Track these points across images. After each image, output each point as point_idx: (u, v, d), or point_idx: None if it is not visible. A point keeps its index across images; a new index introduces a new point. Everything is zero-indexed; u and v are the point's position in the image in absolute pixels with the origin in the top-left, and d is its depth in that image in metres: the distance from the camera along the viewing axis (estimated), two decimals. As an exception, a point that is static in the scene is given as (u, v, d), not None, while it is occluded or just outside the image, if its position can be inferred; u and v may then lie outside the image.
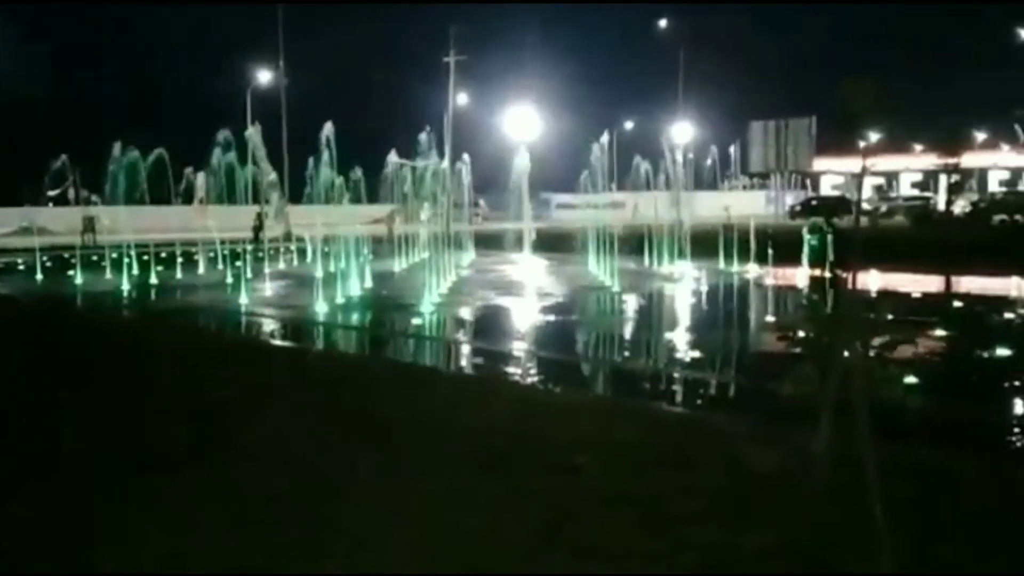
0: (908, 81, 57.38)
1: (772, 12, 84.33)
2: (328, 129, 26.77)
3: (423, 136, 35.42)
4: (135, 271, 24.32)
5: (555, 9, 77.61)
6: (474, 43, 50.58)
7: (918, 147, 69.65)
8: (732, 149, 63.45)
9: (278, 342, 13.05)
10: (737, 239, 24.38)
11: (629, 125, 66.26)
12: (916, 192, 63.31)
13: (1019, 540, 4.73)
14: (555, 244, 31.47)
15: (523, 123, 46.66)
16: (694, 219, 31.77)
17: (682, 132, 58.47)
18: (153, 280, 22.99)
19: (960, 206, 49.20)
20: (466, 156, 36.64)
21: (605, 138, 33.00)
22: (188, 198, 46.83)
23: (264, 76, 47.93)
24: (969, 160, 59.32)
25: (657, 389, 9.77)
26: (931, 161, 57.83)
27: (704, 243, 25.42)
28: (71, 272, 25.17)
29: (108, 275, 24.51)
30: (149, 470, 5.99)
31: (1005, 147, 69.37)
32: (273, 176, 42.90)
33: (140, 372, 9.42)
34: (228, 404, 7.76)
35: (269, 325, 14.83)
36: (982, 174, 67.81)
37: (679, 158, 52.98)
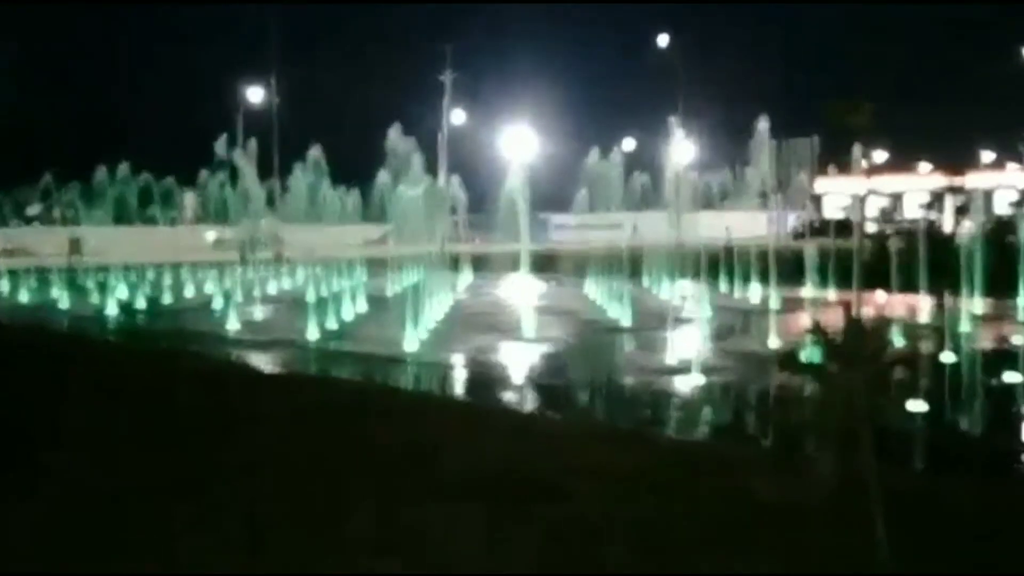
0: (913, 101, 56.93)
1: (774, 32, 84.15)
2: (316, 150, 26.36)
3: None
4: (116, 294, 23.44)
5: (553, 27, 77.55)
6: (470, 62, 50.23)
7: (924, 168, 69.12)
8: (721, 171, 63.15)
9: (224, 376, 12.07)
10: (746, 262, 23.95)
11: (629, 145, 65.70)
12: (922, 214, 62.65)
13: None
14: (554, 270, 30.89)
15: (519, 142, 46.21)
16: (696, 240, 31.06)
17: (683, 152, 57.89)
18: (133, 305, 22.36)
19: (966, 227, 48.50)
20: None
21: (602, 157, 32.46)
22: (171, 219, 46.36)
23: (256, 95, 47.59)
24: (975, 181, 58.76)
25: (651, 412, 9.67)
26: (937, 182, 57.34)
27: (711, 266, 24.80)
28: (54, 295, 24.65)
29: (92, 298, 23.93)
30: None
31: (1012, 167, 68.79)
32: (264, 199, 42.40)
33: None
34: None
35: (231, 359, 13.90)
36: (988, 195, 67.20)
37: (688, 176, 52.52)
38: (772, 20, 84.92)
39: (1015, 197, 67.65)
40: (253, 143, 42.53)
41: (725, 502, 5.61)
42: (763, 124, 30.47)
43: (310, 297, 19.85)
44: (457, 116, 49.73)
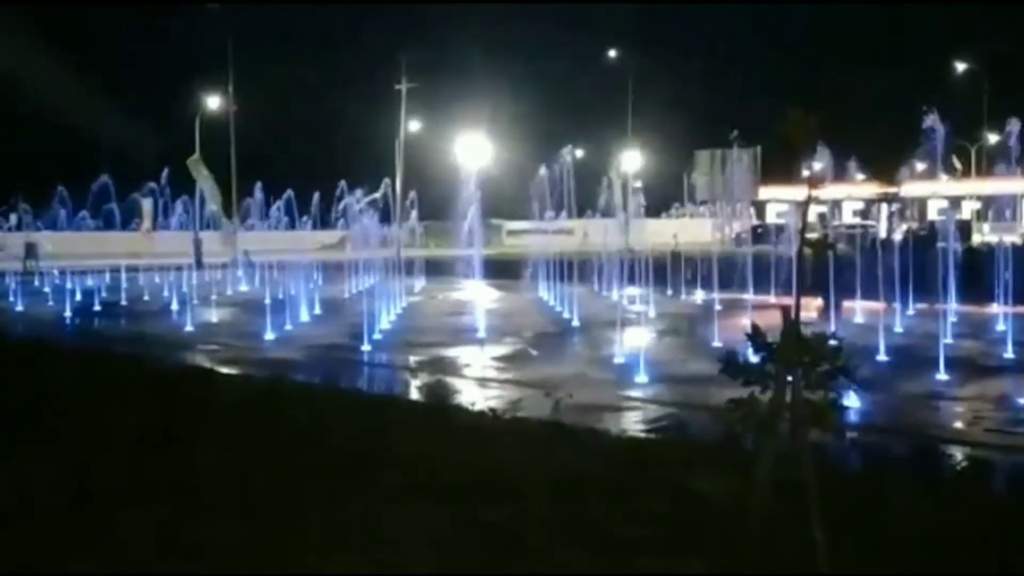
0: (849, 111, 58.83)
1: (718, 45, 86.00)
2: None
3: None
4: (69, 298, 23.62)
5: (506, 38, 78.30)
6: (426, 71, 50.80)
7: (860, 176, 71.27)
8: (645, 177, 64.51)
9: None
10: (692, 266, 24.84)
11: (580, 153, 66.82)
12: (858, 220, 64.61)
13: (953, 564, 4.88)
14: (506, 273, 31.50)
15: (473, 150, 46.88)
16: (642, 246, 32.09)
17: (631, 160, 59.12)
18: (81, 308, 22.56)
19: (901, 232, 50.36)
20: None
21: (556, 165, 33.34)
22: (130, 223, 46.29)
23: (213, 102, 47.55)
24: (909, 189, 60.89)
25: (601, 414, 9.81)
26: (872, 190, 59.32)
27: (655, 270, 25.65)
28: (10, 299, 24.82)
29: (45, 303, 24.17)
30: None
31: (944, 177, 71.21)
32: (219, 203, 42.59)
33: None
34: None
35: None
36: (921, 203, 69.52)
37: (632, 185, 53.68)
38: (717, 34, 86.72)
39: (946, 204, 70.16)
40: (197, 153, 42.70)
41: (667, 500, 5.72)
42: (709, 133, 31.46)
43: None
44: (413, 124, 50.28)
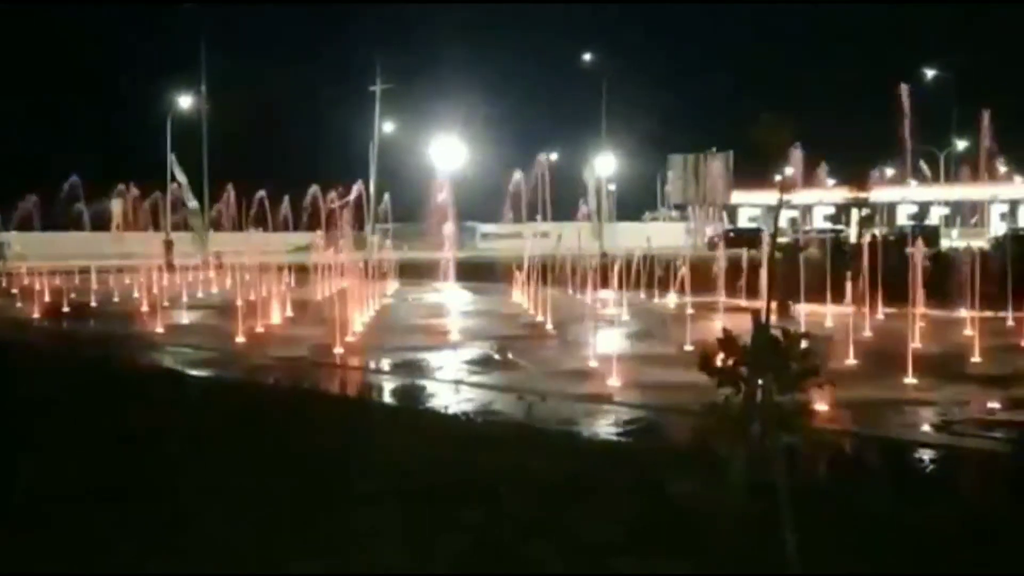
0: (821, 116, 59.34)
1: (692, 50, 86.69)
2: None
3: None
4: (36, 299, 23.33)
5: (482, 40, 78.45)
6: (400, 73, 50.69)
7: (830, 182, 71.96)
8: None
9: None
10: (665, 269, 24.94)
11: (554, 156, 66.91)
12: (829, 225, 65.21)
13: (920, 566, 4.91)
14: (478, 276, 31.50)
15: (448, 152, 46.82)
16: (616, 249, 32.18)
17: (605, 164, 59.25)
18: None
19: (869, 236, 50.83)
20: None
21: (531, 169, 33.39)
22: (100, 224, 45.73)
23: (185, 102, 47.13)
24: (879, 195, 61.45)
25: (574, 416, 9.81)
26: (843, 195, 59.76)
27: (629, 273, 25.72)
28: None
29: (12, 303, 23.88)
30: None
31: (913, 182, 72.04)
32: (194, 204, 42.27)
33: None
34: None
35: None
36: (891, 208, 70.32)
37: (606, 189, 53.87)
38: (691, 39, 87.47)
39: (915, 210, 71.06)
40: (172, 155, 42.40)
41: (641, 502, 5.74)
42: (683, 138, 31.67)
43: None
44: (388, 126, 50.16)
